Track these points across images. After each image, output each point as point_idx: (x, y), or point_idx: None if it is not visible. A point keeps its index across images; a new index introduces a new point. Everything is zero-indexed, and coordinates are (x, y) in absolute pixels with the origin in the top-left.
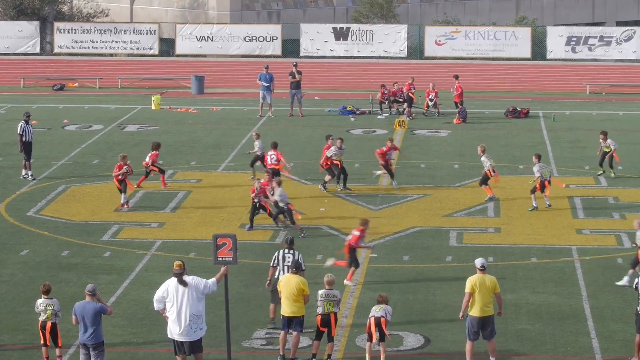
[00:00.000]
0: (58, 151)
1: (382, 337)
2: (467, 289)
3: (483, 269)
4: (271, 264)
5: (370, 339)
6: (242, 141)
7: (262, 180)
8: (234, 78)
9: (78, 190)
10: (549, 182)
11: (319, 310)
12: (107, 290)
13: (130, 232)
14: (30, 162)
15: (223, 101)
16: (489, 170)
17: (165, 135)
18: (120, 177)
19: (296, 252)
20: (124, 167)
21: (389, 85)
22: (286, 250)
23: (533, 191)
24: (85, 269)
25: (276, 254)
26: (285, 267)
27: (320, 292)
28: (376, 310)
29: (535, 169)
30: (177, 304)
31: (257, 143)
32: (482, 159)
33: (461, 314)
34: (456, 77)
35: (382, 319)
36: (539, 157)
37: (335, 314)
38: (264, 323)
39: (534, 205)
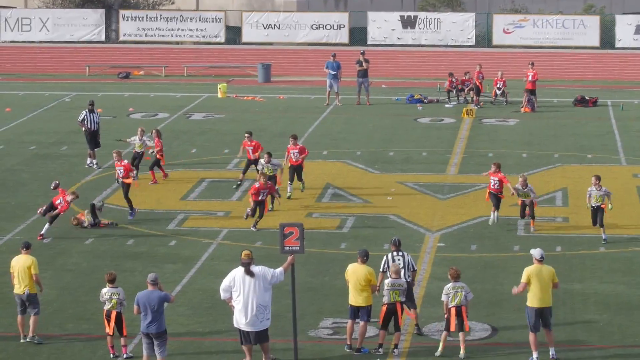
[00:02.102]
0: (126, 135)
1: (461, 327)
2: (523, 279)
3: (542, 260)
4: (380, 269)
5: (448, 327)
6: (309, 129)
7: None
8: (301, 66)
9: (144, 179)
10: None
11: (385, 299)
12: (173, 279)
13: (195, 221)
14: (95, 150)
15: (290, 89)
16: (535, 201)
17: (231, 123)
18: (64, 207)
19: (405, 254)
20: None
21: (457, 74)
22: (394, 253)
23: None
24: (151, 258)
25: (385, 258)
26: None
27: (387, 281)
28: (456, 300)
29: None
30: (243, 294)
31: (145, 139)
32: (528, 188)
33: (515, 290)
34: (532, 64)
35: (463, 308)
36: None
37: (402, 303)
38: (331, 312)
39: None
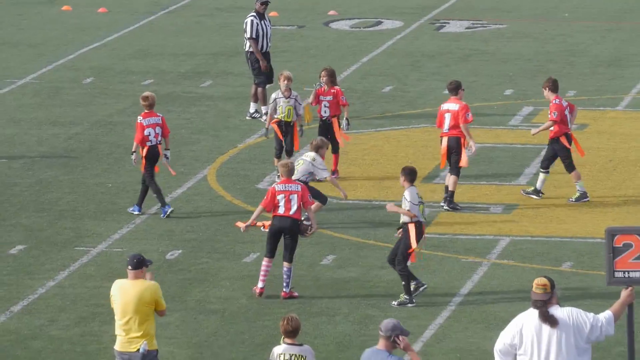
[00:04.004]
0: (320, 64)
1: None
2: None
3: None
4: None
5: None
6: None
7: None
8: None
9: (361, 142)
10: None
11: None
12: (410, 329)
13: (451, 220)
14: (265, 88)
15: None
16: None
17: (514, 42)
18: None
19: None
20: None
21: None
22: None
23: None
24: (367, 290)
25: None
26: None
27: None
28: None
29: None
30: (539, 358)
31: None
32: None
33: None
34: None
35: None
36: None
37: None
38: None
39: None
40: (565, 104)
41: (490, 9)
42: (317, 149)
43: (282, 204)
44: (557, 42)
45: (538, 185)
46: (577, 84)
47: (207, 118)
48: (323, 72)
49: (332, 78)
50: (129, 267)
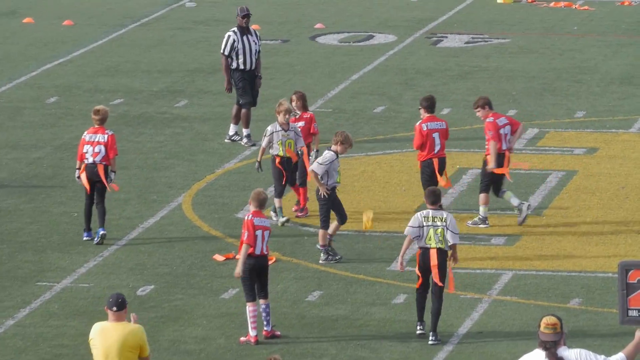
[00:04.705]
0: (306, 81)
1: None
2: None
3: None
4: None
5: None
6: None
7: None
8: None
9: (351, 167)
10: None
11: None
12: None
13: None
14: (250, 110)
15: None
16: None
17: (520, 57)
18: None
19: None
20: None
21: None
22: None
23: None
24: (356, 330)
25: None
26: None
27: None
28: None
29: None
30: None
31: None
32: None
33: None
34: None
35: None
36: None
37: None
38: None
39: None
40: (503, 121)
41: (492, 22)
42: (338, 143)
43: (259, 241)
44: (565, 58)
45: (516, 204)
46: (587, 103)
47: (182, 141)
48: (294, 96)
49: (304, 102)
50: (114, 309)
